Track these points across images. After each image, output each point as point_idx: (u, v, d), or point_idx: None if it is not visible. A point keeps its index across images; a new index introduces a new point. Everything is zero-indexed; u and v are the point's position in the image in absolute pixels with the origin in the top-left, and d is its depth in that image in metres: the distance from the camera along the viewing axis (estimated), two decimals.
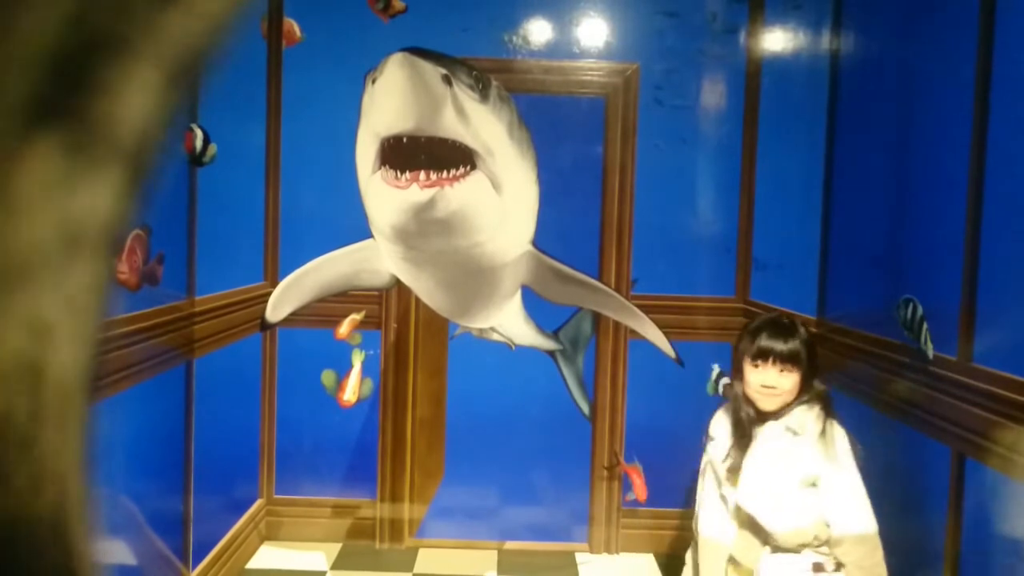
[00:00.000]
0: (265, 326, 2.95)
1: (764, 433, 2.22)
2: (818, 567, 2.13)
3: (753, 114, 3.61)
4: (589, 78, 3.62)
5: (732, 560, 2.22)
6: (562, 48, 3.62)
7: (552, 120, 3.54)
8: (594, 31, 3.63)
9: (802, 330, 2.28)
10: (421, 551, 3.74)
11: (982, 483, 2.03)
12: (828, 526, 2.13)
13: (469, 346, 3.64)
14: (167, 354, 2.74)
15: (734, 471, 2.23)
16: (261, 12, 3.57)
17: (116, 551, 2.44)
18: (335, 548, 3.72)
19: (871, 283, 2.67)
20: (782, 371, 2.20)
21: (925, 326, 2.25)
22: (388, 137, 2.06)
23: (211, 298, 3.09)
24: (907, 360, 2.36)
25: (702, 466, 2.40)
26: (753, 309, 3.57)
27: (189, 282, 2.92)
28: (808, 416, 2.21)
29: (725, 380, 3.63)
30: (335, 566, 3.57)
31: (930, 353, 2.23)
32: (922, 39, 2.40)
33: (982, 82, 2.04)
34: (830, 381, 2.93)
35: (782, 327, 2.27)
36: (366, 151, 2.16)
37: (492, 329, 3.37)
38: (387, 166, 2.12)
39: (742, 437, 2.25)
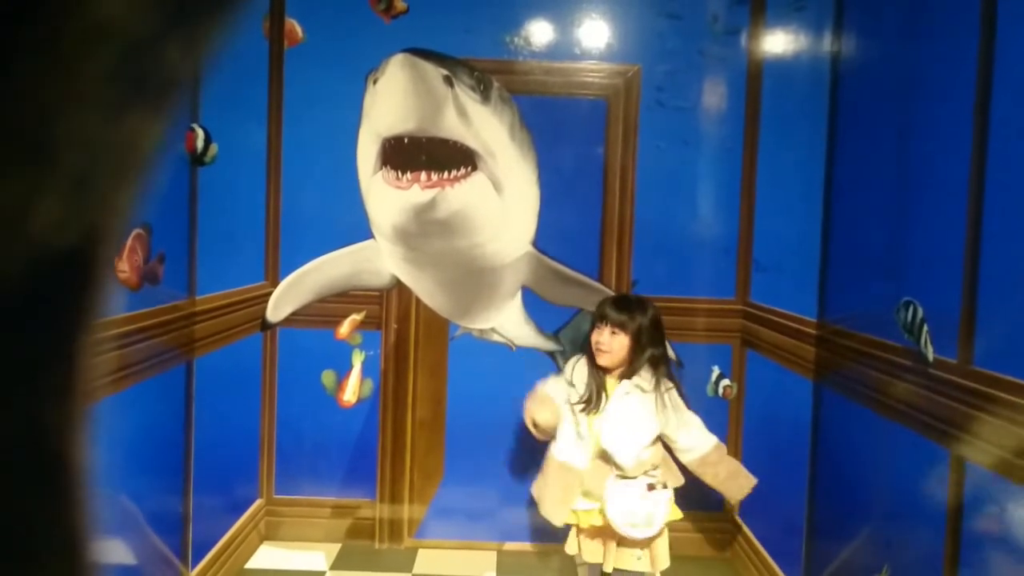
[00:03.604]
0: (266, 326, 2.96)
1: (619, 388, 2.77)
2: (651, 487, 2.70)
3: (754, 116, 3.61)
4: (590, 79, 3.62)
5: (585, 490, 2.74)
6: (563, 49, 3.62)
7: (553, 121, 3.54)
8: (595, 33, 3.63)
9: (647, 307, 2.81)
10: (420, 551, 3.74)
11: (982, 486, 2.03)
12: (683, 452, 2.87)
13: (469, 347, 3.64)
14: (167, 353, 2.74)
15: (589, 413, 2.76)
16: (263, 12, 3.57)
17: (116, 550, 2.44)
18: (334, 548, 3.72)
19: (871, 285, 2.67)
20: (614, 333, 2.72)
21: (925, 328, 2.25)
22: (389, 137, 2.07)
23: (212, 298, 3.09)
24: (907, 362, 2.36)
25: (560, 402, 2.86)
26: (753, 311, 3.58)
27: (190, 281, 2.92)
28: (647, 376, 2.79)
29: (725, 382, 3.63)
30: (334, 566, 3.57)
31: (930, 356, 2.23)
32: (923, 41, 2.40)
33: (983, 85, 2.04)
34: (831, 382, 2.93)
35: (626, 301, 2.83)
36: (367, 151, 2.16)
37: (492, 330, 3.38)
38: (388, 166, 2.12)
39: (595, 387, 2.78)
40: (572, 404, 2.81)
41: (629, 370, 2.78)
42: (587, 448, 2.78)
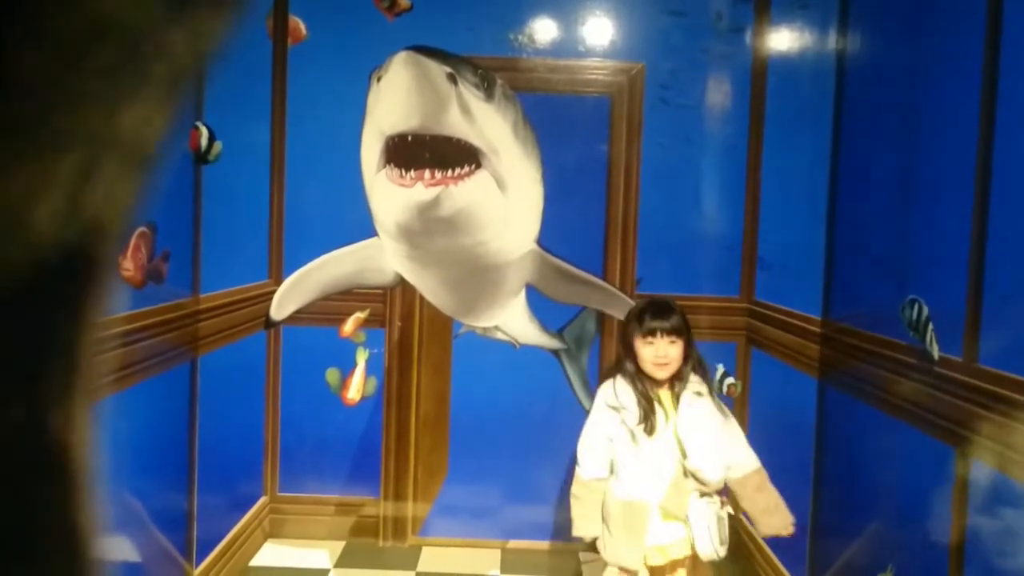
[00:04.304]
0: (269, 324, 2.96)
1: (685, 399, 2.58)
2: (724, 502, 2.57)
3: (759, 113, 3.60)
4: (594, 77, 3.61)
5: (663, 510, 2.53)
6: (567, 47, 3.62)
7: (557, 119, 3.54)
8: (600, 30, 3.62)
9: (677, 307, 2.65)
10: (424, 549, 3.74)
11: (987, 485, 2.02)
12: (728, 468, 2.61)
13: (473, 345, 3.64)
14: (171, 352, 2.74)
15: (651, 433, 2.54)
16: (266, 10, 3.57)
17: (120, 548, 2.44)
18: (338, 546, 3.73)
19: (876, 283, 2.66)
20: (672, 343, 2.55)
21: (930, 326, 2.24)
22: (393, 135, 2.06)
23: (215, 296, 3.10)
24: (912, 361, 2.35)
25: (603, 435, 2.63)
26: (758, 309, 3.57)
27: (194, 280, 2.92)
28: (696, 380, 2.63)
29: (730, 380, 3.62)
30: (338, 564, 3.57)
31: (935, 354, 2.22)
32: (929, 39, 2.39)
33: (989, 82, 2.04)
34: (835, 380, 2.93)
35: (661, 306, 2.63)
36: (371, 149, 2.16)
37: (496, 328, 3.37)
38: (392, 164, 2.12)
39: (651, 405, 2.56)
40: (632, 427, 2.56)
41: (679, 377, 2.60)
42: (656, 474, 2.54)
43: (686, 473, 2.52)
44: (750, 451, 2.65)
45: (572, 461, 3.70)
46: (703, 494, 2.53)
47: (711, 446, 2.55)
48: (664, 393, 2.61)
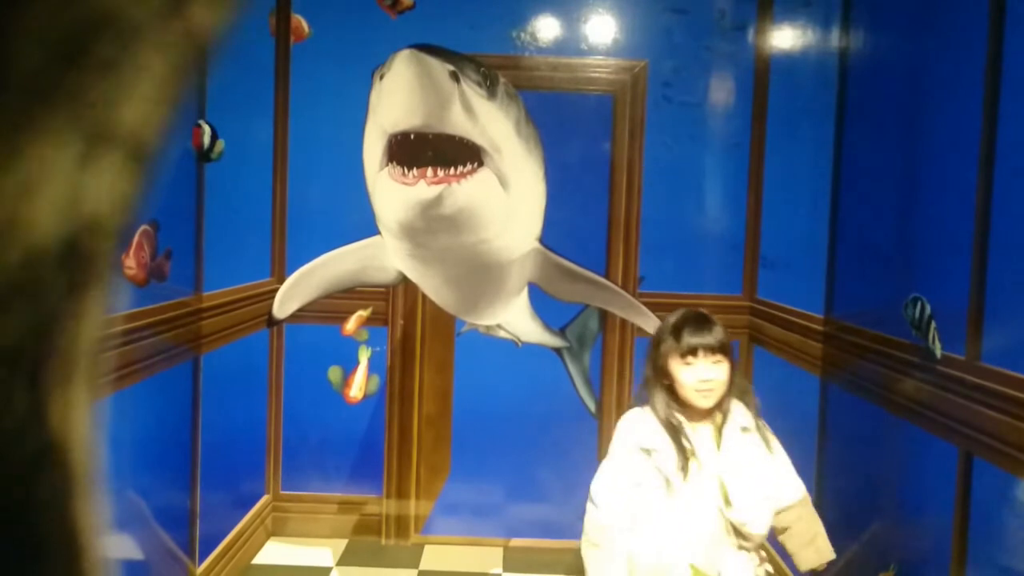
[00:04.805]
0: (272, 322, 2.96)
1: (727, 435, 2.14)
2: (763, 559, 2.20)
3: (761, 111, 3.60)
4: (597, 75, 3.61)
5: (695, 569, 2.10)
6: (570, 45, 3.62)
7: (560, 117, 3.54)
8: (602, 28, 3.62)
9: (716, 319, 2.22)
10: (427, 547, 3.75)
11: (990, 483, 2.02)
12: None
13: (475, 343, 3.64)
14: (174, 350, 2.75)
15: (688, 478, 2.10)
16: (269, 8, 3.57)
17: (123, 546, 2.44)
18: (341, 544, 3.73)
19: (879, 281, 2.66)
20: (717, 363, 2.12)
21: (933, 325, 2.24)
22: (396, 133, 2.06)
23: (218, 294, 3.10)
24: (915, 359, 2.35)
25: (630, 481, 2.13)
26: (761, 307, 3.57)
27: (196, 278, 2.93)
28: (743, 409, 2.20)
29: None
30: (341, 562, 3.58)
31: (938, 352, 2.22)
32: (931, 36, 2.39)
33: (991, 79, 2.03)
34: (838, 379, 2.93)
35: (701, 318, 2.18)
36: (373, 147, 2.16)
37: (499, 326, 3.37)
38: (394, 163, 2.11)
39: (684, 444, 2.11)
40: (668, 473, 2.10)
41: (720, 407, 2.16)
42: (693, 528, 2.10)
43: (727, 526, 2.10)
44: (796, 480, 2.24)
45: (575, 459, 3.71)
46: (741, 546, 2.12)
47: (760, 493, 2.12)
48: (703, 427, 2.16)
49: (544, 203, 2.66)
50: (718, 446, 2.14)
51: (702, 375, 2.11)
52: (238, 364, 3.39)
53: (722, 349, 2.13)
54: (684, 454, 2.09)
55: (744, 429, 2.16)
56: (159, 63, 0.24)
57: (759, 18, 3.60)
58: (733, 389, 2.17)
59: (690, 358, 2.12)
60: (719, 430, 2.15)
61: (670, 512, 2.10)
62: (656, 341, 2.24)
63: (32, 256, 0.23)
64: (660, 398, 2.16)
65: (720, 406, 2.15)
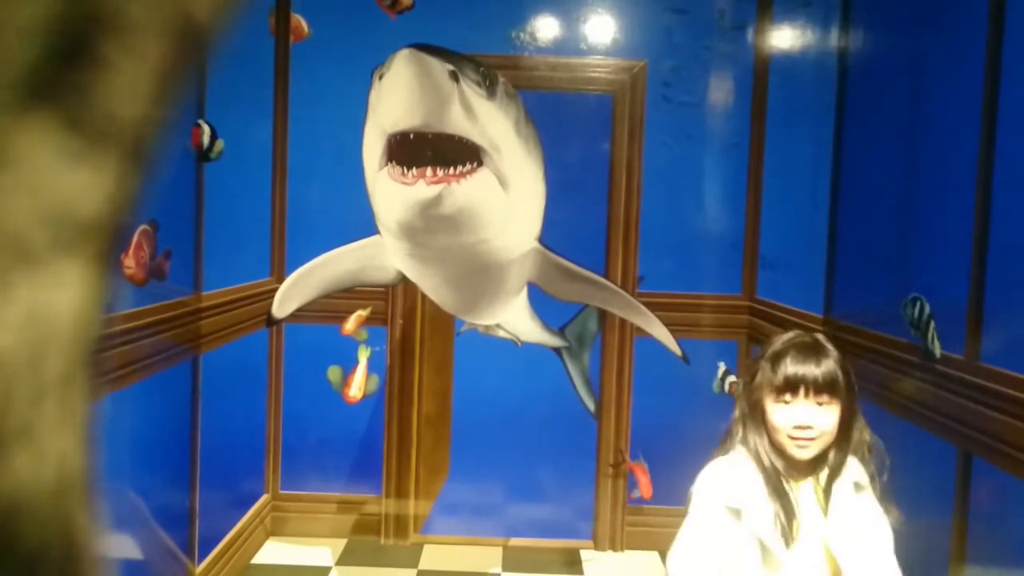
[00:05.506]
0: (271, 322, 2.96)
1: (837, 495, 1.72)
2: None
3: (761, 111, 3.60)
4: (596, 75, 3.61)
5: None
6: (570, 45, 3.62)
7: (559, 117, 3.54)
8: (602, 28, 3.62)
9: (832, 348, 1.76)
10: (426, 547, 3.74)
11: (989, 482, 2.02)
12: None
13: (475, 343, 3.64)
14: (173, 349, 2.75)
15: (789, 544, 1.68)
16: (269, 8, 3.57)
17: (122, 545, 2.44)
18: (340, 544, 3.73)
19: (878, 281, 2.66)
20: (821, 404, 1.68)
21: (932, 325, 2.24)
22: (395, 133, 2.06)
23: (217, 294, 3.10)
24: (914, 359, 2.35)
25: (716, 547, 1.70)
26: (760, 307, 3.57)
27: (196, 277, 2.93)
28: (857, 464, 1.77)
29: (731, 378, 3.62)
30: (340, 562, 3.58)
31: (937, 352, 2.22)
32: (931, 36, 2.39)
33: (991, 79, 2.03)
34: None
35: (810, 347, 1.73)
36: (373, 147, 2.16)
37: (498, 326, 3.37)
38: (394, 162, 2.11)
39: (786, 502, 1.69)
40: (765, 539, 1.67)
41: (827, 458, 1.73)
42: None
43: None
44: (892, 557, 1.80)
45: (574, 459, 3.71)
46: None
47: (877, 568, 1.73)
48: (807, 483, 1.74)
49: (543, 203, 2.66)
50: (825, 509, 1.72)
51: (799, 419, 1.67)
52: (237, 364, 3.38)
53: (830, 388, 1.68)
54: (788, 513, 1.68)
55: (858, 486, 1.75)
56: (158, 61, 0.24)
57: (758, 18, 3.60)
58: (847, 443, 1.73)
59: (788, 395, 1.69)
60: (827, 489, 1.73)
61: None
62: (750, 367, 1.83)
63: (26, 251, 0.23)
64: (759, 441, 1.72)
65: (826, 458, 1.72)
